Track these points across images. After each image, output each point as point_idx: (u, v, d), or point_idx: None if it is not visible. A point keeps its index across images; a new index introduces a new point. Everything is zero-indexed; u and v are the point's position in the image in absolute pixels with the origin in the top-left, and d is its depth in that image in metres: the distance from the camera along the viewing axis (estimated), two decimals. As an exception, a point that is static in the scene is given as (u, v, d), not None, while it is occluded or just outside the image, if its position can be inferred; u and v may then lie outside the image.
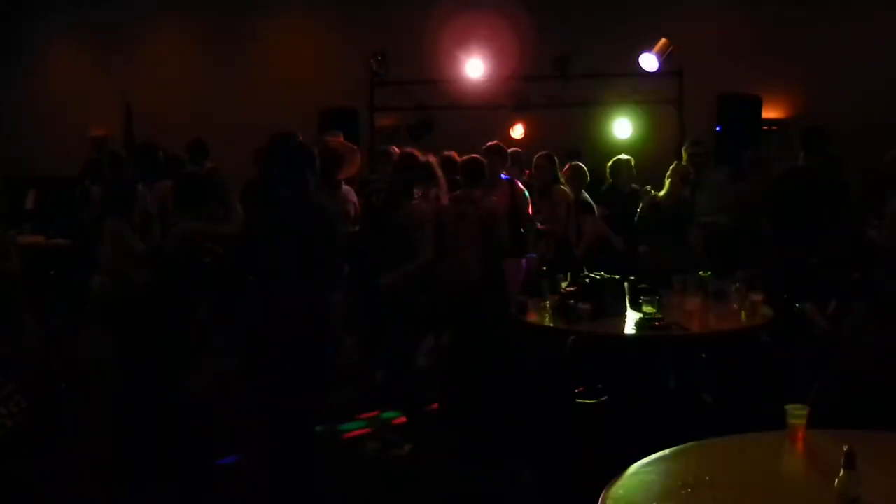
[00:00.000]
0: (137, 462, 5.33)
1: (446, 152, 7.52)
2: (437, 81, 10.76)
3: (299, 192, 4.91)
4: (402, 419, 6.39)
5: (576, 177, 7.86)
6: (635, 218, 7.21)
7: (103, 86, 13.92)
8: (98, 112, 13.77)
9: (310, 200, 4.98)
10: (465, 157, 6.80)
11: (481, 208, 6.46)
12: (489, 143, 7.61)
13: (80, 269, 7.74)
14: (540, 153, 7.88)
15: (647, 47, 9.58)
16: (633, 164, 7.85)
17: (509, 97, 10.44)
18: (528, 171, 8.28)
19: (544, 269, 6.74)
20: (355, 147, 7.80)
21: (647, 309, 5.32)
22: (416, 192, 6.16)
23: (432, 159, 6.39)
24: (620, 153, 8.13)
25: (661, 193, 7.05)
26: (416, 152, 6.48)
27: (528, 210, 7.44)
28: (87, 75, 14.49)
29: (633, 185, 7.82)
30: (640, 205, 7.25)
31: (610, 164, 7.90)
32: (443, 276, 6.23)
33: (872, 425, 3.23)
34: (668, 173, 7.11)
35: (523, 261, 7.14)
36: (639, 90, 10.11)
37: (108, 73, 14.20)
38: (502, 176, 7.49)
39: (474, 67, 10.52)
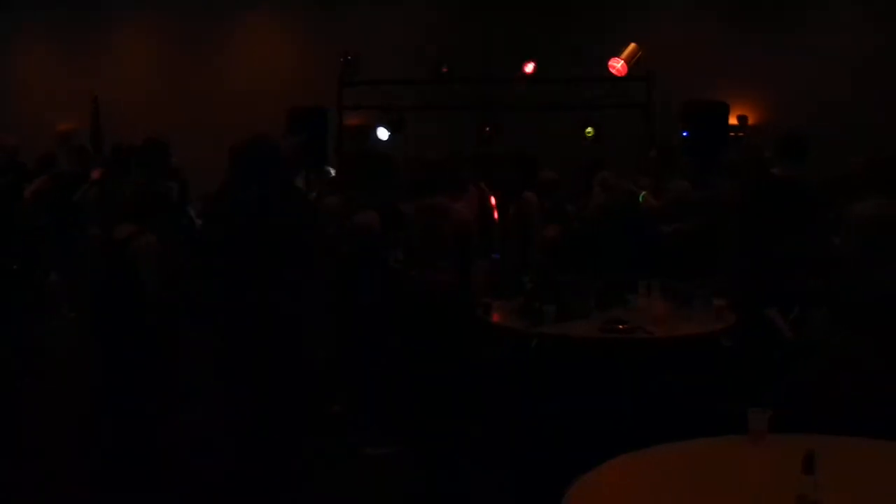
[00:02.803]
0: (108, 462, 5.25)
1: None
2: (407, 81, 10.73)
3: (264, 195, 4.91)
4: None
5: None
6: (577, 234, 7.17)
7: (71, 81, 13.70)
8: (65, 108, 13.54)
9: (273, 203, 4.96)
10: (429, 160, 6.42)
11: (454, 220, 6.00)
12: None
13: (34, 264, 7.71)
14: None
15: (616, 52, 9.63)
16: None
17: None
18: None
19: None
20: None
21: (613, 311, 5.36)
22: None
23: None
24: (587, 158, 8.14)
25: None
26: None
27: (493, 214, 7.43)
28: (54, 71, 14.27)
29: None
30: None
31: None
32: (412, 287, 6.12)
33: (833, 430, 3.25)
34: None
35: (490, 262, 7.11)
36: (607, 95, 10.15)
37: (76, 68, 13.98)
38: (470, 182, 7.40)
39: (443, 68, 10.50)
